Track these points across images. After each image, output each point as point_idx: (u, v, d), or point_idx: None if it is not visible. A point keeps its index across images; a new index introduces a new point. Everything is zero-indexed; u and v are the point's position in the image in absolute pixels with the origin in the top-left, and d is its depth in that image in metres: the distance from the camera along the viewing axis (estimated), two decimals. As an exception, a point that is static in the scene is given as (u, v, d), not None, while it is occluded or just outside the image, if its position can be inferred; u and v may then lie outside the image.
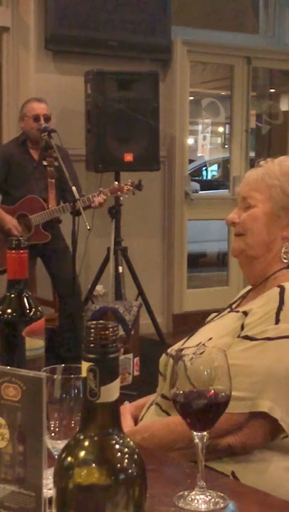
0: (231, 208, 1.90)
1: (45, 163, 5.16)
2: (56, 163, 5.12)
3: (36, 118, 5.08)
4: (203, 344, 1.74)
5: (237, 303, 1.93)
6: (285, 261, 1.82)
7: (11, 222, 5.02)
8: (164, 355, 1.88)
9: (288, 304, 1.69)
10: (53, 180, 5.16)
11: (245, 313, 1.75)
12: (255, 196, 1.82)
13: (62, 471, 0.91)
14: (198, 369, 1.36)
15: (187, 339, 1.86)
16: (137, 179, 5.20)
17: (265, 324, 1.68)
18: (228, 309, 1.92)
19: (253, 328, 1.70)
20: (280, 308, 1.69)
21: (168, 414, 1.78)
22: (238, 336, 1.72)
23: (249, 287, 1.93)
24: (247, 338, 1.69)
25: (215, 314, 1.95)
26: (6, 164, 5.09)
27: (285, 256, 1.82)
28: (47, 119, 5.10)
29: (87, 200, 4.99)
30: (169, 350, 1.88)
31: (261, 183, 1.82)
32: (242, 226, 1.85)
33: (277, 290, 1.73)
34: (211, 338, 1.76)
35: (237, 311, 1.81)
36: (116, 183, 5.27)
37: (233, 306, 1.93)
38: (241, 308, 1.80)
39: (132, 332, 4.97)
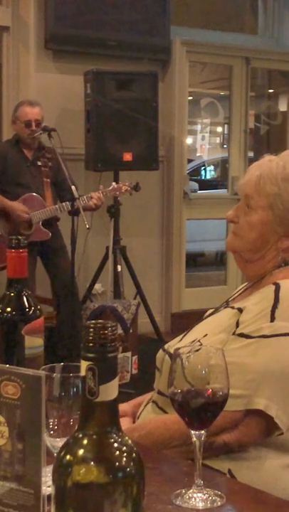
0: (229, 208, 1.90)
1: (39, 163, 5.18)
2: (50, 164, 5.15)
3: (28, 124, 5.10)
4: (199, 341, 1.76)
5: (233, 297, 1.95)
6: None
7: (19, 207, 5.03)
8: (160, 350, 1.90)
9: (283, 301, 1.70)
10: (48, 180, 5.18)
11: (240, 310, 1.76)
12: (257, 199, 1.81)
13: (61, 469, 0.92)
14: (195, 367, 1.37)
15: (184, 335, 1.88)
16: (135, 180, 5.22)
17: (260, 322, 1.69)
18: (225, 304, 1.93)
19: (248, 326, 1.70)
20: (275, 306, 1.70)
21: (164, 411, 1.79)
22: (234, 333, 1.73)
23: (247, 283, 1.94)
24: (242, 335, 1.70)
25: (212, 310, 1.96)
26: (0, 163, 5.12)
27: (281, 263, 1.83)
28: (38, 124, 5.11)
29: (86, 199, 5.01)
30: (165, 347, 1.89)
31: (263, 187, 1.80)
32: (239, 227, 1.86)
33: (272, 288, 1.74)
34: (206, 335, 1.77)
35: (232, 307, 1.82)
36: (114, 183, 5.29)
37: (229, 300, 1.94)
38: (236, 304, 1.81)
39: (131, 330, 4.98)
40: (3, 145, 5.35)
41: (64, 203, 5.04)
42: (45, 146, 5.17)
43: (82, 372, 0.92)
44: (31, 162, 5.19)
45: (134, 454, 0.92)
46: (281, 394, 1.63)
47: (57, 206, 5.09)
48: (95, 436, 0.91)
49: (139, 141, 5.66)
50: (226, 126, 9.03)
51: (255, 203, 1.81)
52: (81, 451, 0.91)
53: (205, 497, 1.31)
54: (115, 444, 0.91)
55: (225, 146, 10.12)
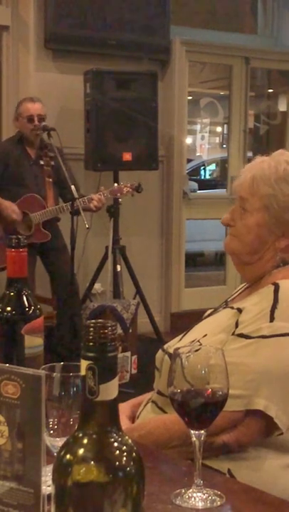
0: (229, 208, 1.91)
1: (42, 162, 5.17)
2: (53, 163, 5.14)
3: (30, 119, 5.09)
4: (198, 341, 1.76)
5: (233, 297, 1.95)
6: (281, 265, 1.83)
7: (11, 207, 5.02)
8: (160, 350, 1.90)
9: (283, 302, 1.70)
10: (51, 180, 5.17)
11: (240, 310, 1.76)
12: (252, 202, 1.81)
13: (61, 468, 0.92)
14: (195, 367, 1.37)
15: (183, 335, 1.88)
16: (137, 181, 5.22)
17: (259, 322, 1.69)
18: (224, 305, 1.93)
19: (248, 326, 1.70)
20: (274, 307, 1.70)
21: (163, 411, 1.79)
22: (233, 334, 1.73)
23: (246, 283, 1.94)
24: (242, 336, 1.70)
25: (212, 310, 1.96)
26: (2, 161, 5.11)
27: (279, 263, 1.83)
28: (41, 119, 5.11)
29: (87, 201, 5.00)
30: (165, 347, 1.89)
31: (257, 189, 1.80)
32: (236, 230, 1.86)
33: (271, 288, 1.74)
34: (206, 335, 1.77)
35: (232, 307, 1.82)
36: (116, 184, 5.28)
37: (229, 300, 1.94)
38: (236, 305, 1.81)
39: (130, 330, 4.98)
40: (5, 143, 5.34)
41: (64, 205, 5.04)
42: (48, 144, 5.15)
43: (82, 372, 0.92)
44: (34, 161, 5.18)
45: (134, 454, 0.92)
46: (281, 394, 1.63)
47: (57, 207, 5.09)
48: (94, 436, 0.91)
49: (138, 140, 5.66)
50: (225, 126, 9.03)
51: (250, 206, 1.81)
52: (81, 451, 0.91)
53: (205, 497, 1.31)
54: (115, 444, 0.91)
55: (224, 145, 10.11)
